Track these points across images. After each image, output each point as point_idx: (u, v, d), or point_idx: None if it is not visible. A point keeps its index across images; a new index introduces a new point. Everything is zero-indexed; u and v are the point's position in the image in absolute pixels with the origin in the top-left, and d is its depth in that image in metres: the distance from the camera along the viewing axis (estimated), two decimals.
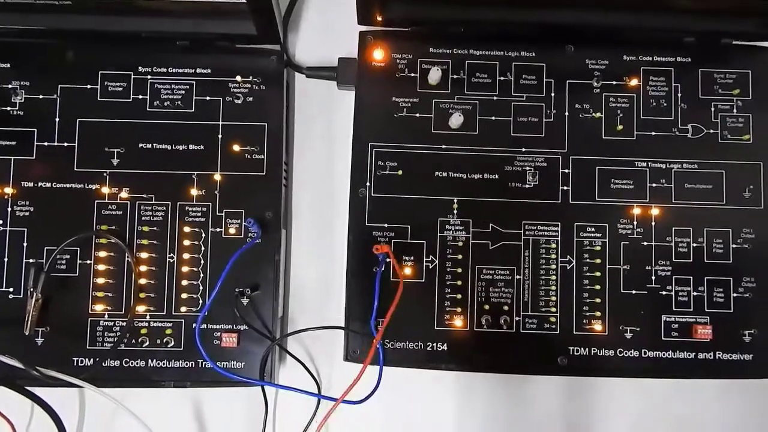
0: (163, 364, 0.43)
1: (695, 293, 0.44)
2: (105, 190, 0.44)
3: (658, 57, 0.45)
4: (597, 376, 0.45)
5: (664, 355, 0.43)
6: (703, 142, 0.45)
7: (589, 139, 0.44)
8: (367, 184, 0.44)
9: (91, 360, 0.42)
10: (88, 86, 0.44)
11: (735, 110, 0.45)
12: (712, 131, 0.45)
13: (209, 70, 0.45)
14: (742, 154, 0.45)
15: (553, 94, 0.45)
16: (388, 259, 0.43)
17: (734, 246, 0.44)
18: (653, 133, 0.45)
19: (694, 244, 0.44)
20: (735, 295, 0.44)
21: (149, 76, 0.44)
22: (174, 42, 0.44)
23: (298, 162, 0.47)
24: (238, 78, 0.44)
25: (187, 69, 0.45)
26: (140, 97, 0.44)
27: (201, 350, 0.40)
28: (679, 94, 0.45)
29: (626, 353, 0.43)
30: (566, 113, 0.45)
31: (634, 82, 0.45)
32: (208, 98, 0.44)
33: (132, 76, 0.44)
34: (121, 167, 0.44)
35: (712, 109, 0.45)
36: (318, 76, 0.46)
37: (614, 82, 0.45)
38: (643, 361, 0.43)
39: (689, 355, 0.43)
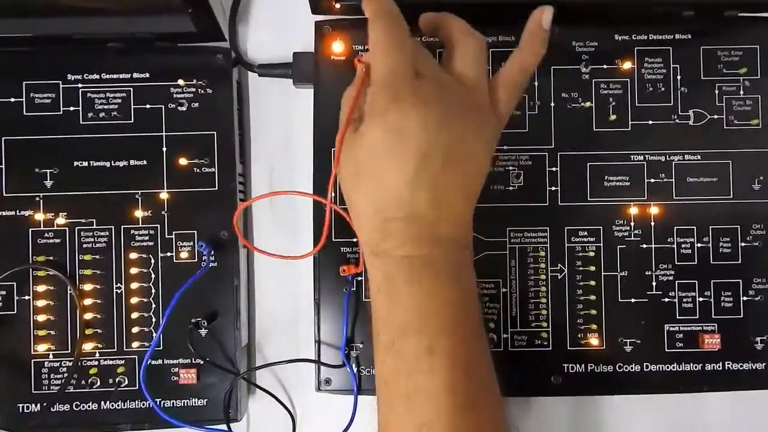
0: (118, 405, 0.39)
1: (701, 299, 0.39)
2: (39, 216, 0.39)
3: (653, 35, 0.40)
4: (595, 395, 0.41)
5: (668, 368, 0.39)
6: (707, 129, 0.40)
7: (578, 132, 0.40)
8: (332, 194, 0.39)
9: (38, 406, 0.38)
10: (12, 99, 0.39)
11: (742, 91, 0.40)
12: (716, 117, 0.40)
13: (148, 75, 0.39)
14: (751, 141, 0.40)
15: (536, 83, 0.40)
16: (359, 278, 0.39)
17: (743, 244, 0.40)
18: (650, 122, 0.40)
19: (699, 245, 0.39)
20: (745, 298, 0.39)
21: (80, 85, 0.39)
22: (105, 44, 0.39)
23: (256, 173, 0.43)
24: (181, 82, 0.39)
25: (123, 74, 0.39)
26: (71, 109, 0.39)
27: (145, 392, 0.36)
28: (679, 77, 0.40)
29: (626, 368, 0.39)
30: (552, 104, 0.40)
31: (627, 65, 0.40)
32: (148, 106, 0.39)
33: (61, 86, 0.39)
34: (55, 190, 0.39)
35: (716, 91, 0.40)
36: (271, 74, 0.41)
37: (605, 66, 0.40)
38: (645, 376, 0.39)
39: (696, 367, 0.39)
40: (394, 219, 0.29)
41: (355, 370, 0.39)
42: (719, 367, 0.39)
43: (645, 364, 0.39)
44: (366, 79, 0.30)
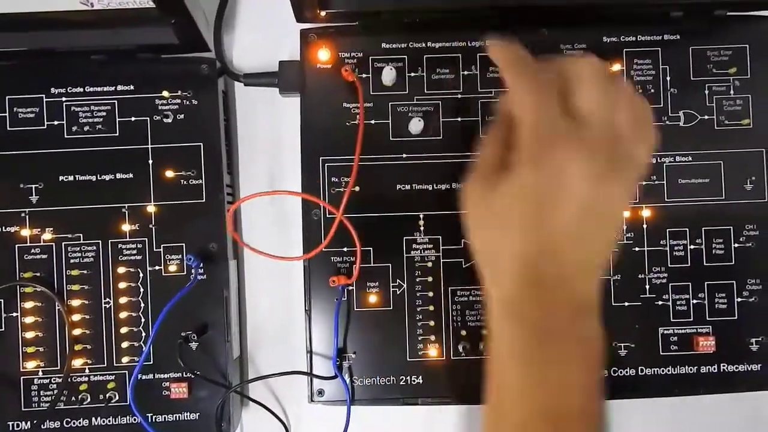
0: (109, 421, 0.38)
1: (695, 301, 0.39)
2: (25, 232, 0.38)
3: (642, 36, 0.40)
4: None
5: (663, 371, 0.39)
6: (697, 130, 0.39)
7: None
8: (321, 205, 0.39)
9: (28, 423, 0.38)
10: None
11: (732, 91, 0.40)
12: (706, 117, 0.40)
13: (132, 87, 0.39)
14: (742, 141, 0.39)
15: None
16: (350, 287, 0.39)
17: (736, 245, 0.39)
18: None
19: (692, 247, 0.39)
20: (739, 299, 0.39)
21: (64, 98, 0.39)
22: (88, 57, 0.39)
23: (245, 182, 0.42)
24: (165, 93, 0.39)
25: (107, 87, 0.39)
26: (56, 123, 0.39)
27: (134, 408, 0.36)
28: (668, 78, 0.40)
29: (621, 372, 0.39)
30: None
31: (616, 66, 0.39)
32: (133, 119, 0.39)
33: (44, 99, 0.39)
34: (41, 205, 0.39)
35: (706, 91, 0.40)
36: (257, 83, 0.40)
37: None
38: (640, 380, 0.39)
39: (691, 370, 0.39)
40: (542, 277, 0.27)
41: (347, 380, 0.38)
42: (714, 369, 0.39)
43: (640, 367, 0.39)
44: (510, 124, 0.29)
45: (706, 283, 0.39)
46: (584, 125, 0.27)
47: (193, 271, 0.38)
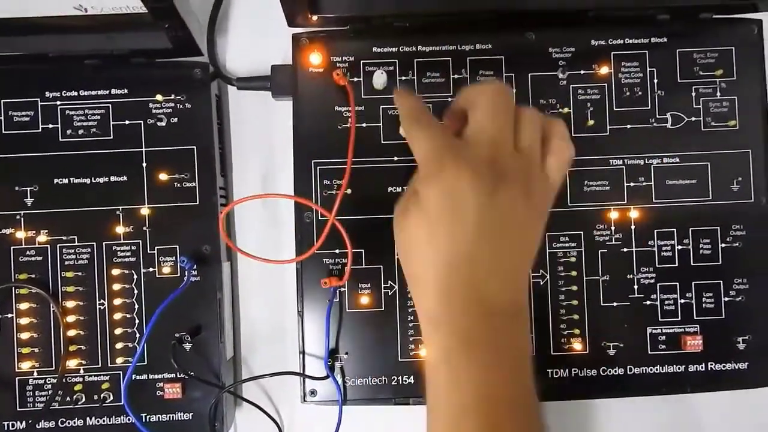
0: (103, 421, 0.39)
1: (683, 300, 0.40)
2: (21, 234, 0.39)
3: (629, 39, 0.40)
4: (579, 399, 0.41)
5: (652, 370, 0.39)
6: (685, 132, 0.40)
7: None
8: (313, 208, 0.39)
9: (23, 423, 0.38)
10: None
11: (718, 93, 0.40)
12: (693, 119, 0.40)
13: (126, 91, 0.39)
14: (729, 143, 0.40)
15: (514, 90, 0.40)
16: (342, 288, 0.39)
17: (723, 245, 0.40)
18: (628, 126, 0.40)
19: (679, 247, 0.40)
20: (726, 299, 0.40)
21: (58, 102, 0.39)
22: (82, 61, 0.39)
23: (239, 185, 0.43)
24: (159, 97, 0.39)
25: (101, 91, 0.39)
26: (50, 126, 0.39)
27: (128, 408, 0.36)
28: (656, 80, 0.40)
29: (610, 372, 0.39)
30: None
31: (604, 69, 0.40)
32: (127, 122, 0.39)
33: (39, 103, 0.39)
34: (36, 207, 0.39)
35: (693, 93, 0.40)
36: (250, 87, 0.41)
37: (582, 72, 0.40)
38: (629, 379, 0.39)
39: (679, 369, 0.39)
40: (453, 285, 0.29)
41: (339, 380, 0.39)
42: (702, 368, 0.39)
43: (629, 367, 0.39)
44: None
45: (693, 282, 0.40)
46: (472, 144, 0.30)
47: (186, 273, 0.38)
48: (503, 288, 0.29)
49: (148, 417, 0.38)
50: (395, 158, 0.40)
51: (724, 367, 0.39)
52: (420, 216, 0.29)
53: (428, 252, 0.29)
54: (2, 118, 0.39)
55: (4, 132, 0.39)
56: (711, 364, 0.39)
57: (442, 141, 0.30)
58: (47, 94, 0.39)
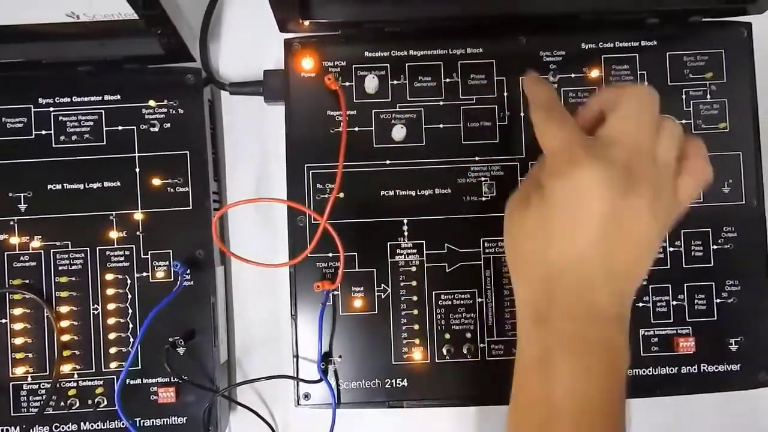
0: (98, 426, 0.39)
1: (675, 302, 0.40)
2: (14, 240, 0.39)
3: (619, 42, 0.40)
4: None
5: (644, 372, 0.39)
6: None
7: None
8: (306, 212, 0.39)
9: (17, 428, 0.38)
10: None
11: (709, 96, 0.40)
12: (684, 121, 0.40)
13: (119, 97, 0.40)
14: (719, 145, 0.40)
15: (506, 94, 0.40)
16: (335, 292, 0.39)
17: (715, 247, 0.40)
18: None
19: (671, 249, 0.40)
20: (718, 301, 0.40)
21: (51, 108, 0.39)
22: (76, 68, 0.39)
23: (232, 190, 0.43)
24: (152, 102, 0.39)
25: (94, 97, 0.40)
26: (43, 132, 0.39)
27: (120, 412, 0.36)
28: (646, 82, 0.40)
29: None
30: (522, 114, 0.40)
31: (595, 72, 0.40)
32: (120, 128, 0.40)
33: (32, 110, 0.39)
34: (29, 213, 0.39)
35: (683, 96, 0.40)
36: (242, 92, 0.41)
37: (573, 75, 0.40)
38: None
39: (672, 370, 0.40)
40: (565, 285, 0.28)
41: (333, 384, 0.39)
42: (695, 369, 0.39)
43: None
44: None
45: (685, 284, 0.40)
46: (609, 145, 0.29)
47: (179, 277, 0.38)
48: (612, 299, 0.29)
49: (142, 421, 0.39)
50: (387, 162, 0.40)
51: (716, 368, 0.40)
52: (542, 208, 0.29)
53: (543, 246, 0.29)
54: None
55: None
56: (704, 366, 0.40)
57: (577, 137, 0.29)
58: (40, 100, 0.39)
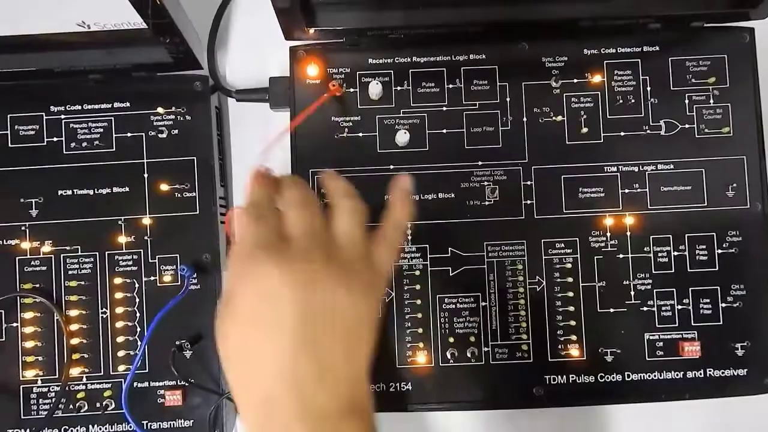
0: (105, 428, 0.39)
1: (680, 306, 0.40)
2: (26, 245, 0.40)
3: (622, 48, 0.41)
4: (577, 406, 0.41)
5: (649, 377, 0.39)
6: (679, 138, 0.40)
7: (551, 145, 0.40)
8: None
9: (27, 431, 0.39)
10: None
11: (712, 100, 0.40)
12: (687, 126, 0.40)
13: (128, 104, 0.41)
14: (723, 149, 0.40)
15: (508, 99, 0.40)
16: None
17: (719, 251, 0.40)
18: (622, 134, 0.40)
19: (675, 253, 0.40)
20: (723, 305, 0.40)
21: (63, 116, 0.40)
22: (86, 76, 0.40)
23: (239, 195, 0.44)
24: (160, 109, 0.40)
25: (104, 104, 0.41)
26: (55, 139, 0.40)
27: (128, 415, 0.37)
28: (649, 88, 0.40)
29: (608, 378, 0.39)
30: (524, 119, 0.40)
31: (597, 78, 0.40)
32: (129, 135, 0.40)
33: (44, 117, 0.40)
34: (40, 218, 0.40)
35: (686, 101, 0.40)
36: (249, 99, 0.42)
37: (575, 80, 0.40)
38: (627, 386, 0.39)
39: (677, 375, 0.39)
40: (276, 396, 0.26)
41: None
42: (700, 374, 0.39)
43: (626, 373, 0.39)
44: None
45: (690, 289, 0.40)
46: (289, 241, 0.28)
47: (186, 281, 0.39)
48: (333, 393, 0.26)
49: (149, 424, 0.39)
50: (391, 167, 0.40)
51: (723, 373, 0.39)
52: (233, 316, 0.27)
53: (248, 357, 0.26)
54: (9, 132, 0.40)
55: (10, 145, 0.40)
56: (710, 371, 0.39)
57: (259, 235, 0.28)
58: (52, 108, 0.40)
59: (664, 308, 0.40)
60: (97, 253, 0.40)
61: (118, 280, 0.40)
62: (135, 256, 0.40)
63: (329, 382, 0.26)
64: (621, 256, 0.40)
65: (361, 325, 0.28)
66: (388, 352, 0.39)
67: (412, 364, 0.39)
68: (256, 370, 0.26)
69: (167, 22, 0.35)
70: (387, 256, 0.31)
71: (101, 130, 0.40)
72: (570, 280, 0.40)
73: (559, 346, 0.39)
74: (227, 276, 0.29)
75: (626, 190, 0.40)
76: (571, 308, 0.39)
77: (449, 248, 0.40)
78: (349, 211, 0.30)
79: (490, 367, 0.39)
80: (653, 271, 0.40)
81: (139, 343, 0.40)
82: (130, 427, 0.39)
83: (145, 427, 0.39)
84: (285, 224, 0.29)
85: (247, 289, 0.27)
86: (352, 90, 0.40)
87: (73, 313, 0.40)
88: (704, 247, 0.40)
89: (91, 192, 0.40)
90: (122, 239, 0.40)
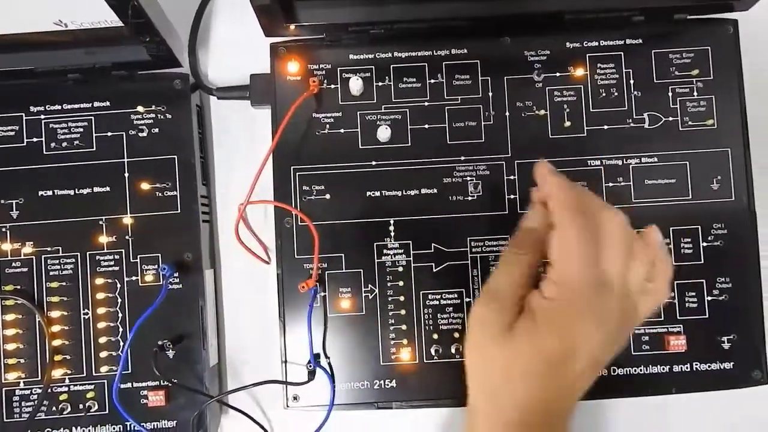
0: (89, 430, 0.39)
1: (665, 300, 0.39)
2: (6, 246, 0.40)
3: (604, 41, 0.40)
4: None
5: (635, 371, 0.39)
6: (662, 131, 0.40)
7: (534, 140, 0.40)
8: (293, 213, 0.39)
9: None
10: None
11: (695, 93, 0.40)
12: (671, 119, 0.40)
13: (108, 103, 0.40)
14: (707, 141, 0.40)
15: (490, 94, 0.40)
16: (322, 293, 0.39)
17: (705, 244, 0.40)
18: (605, 127, 0.40)
19: None
20: (709, 298, 0.39)
21: (42, 116, 0.40)
22: (65, 75, 0.40)
23: (222, 193, 0.43)
24: (140, 108, 0.40)
25: (84, 104, 0.40)
26: (35, 140, 0.40)
27: (122, 412, 0.36)
28: (632, 81, 0.40)
29: None
30: (507, 113, 0.40)
31: (579, 71, 0.40)
32: (109, 134, 0.40)
33: (24, 118, 0.40)
34: (21, 219, 0.40)
35: (670, 94, 0.40)
36: (229, 96, 0.42)
37: (558, 74, 0.40)
38: (613, 380, 0.39)
39: (664, 369, 0.39)
40: (531, 424, 0.29)
41: (326, 382, 0.39)
42: (687, 368, 0.39)
43: (612, 367, 0.39)
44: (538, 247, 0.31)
45: (676, 282, 0.39)
46: (605, 291, 0.28)
47: (165, 281, 0.39)
48: (569, 420, 0.30)
49: (132, 425, 0.39)
50: (373, 163, 0.40)
51: (709, 367, 0.39)
52: (527, 351, 0.29)
53: (519, 384, 0.29)
54: None
55: None
56: (696, 364, 0.39)
57: (590, 276, 0.28)
58: (31, 108, 0.40)
59: None
60: (78, 254, 0.40)
61: (99, 281, 0.39)
62: (116, 256, 0.40)
63: (572, 411, 0.30)
64: None
65: (595, 369, 0.30)
66: (371, 349, 0.39)
67: (396, 361, 0.39)
68: (514, 392, 0.29)
69: (144, 22, 0.35)
70: (649, 309, 0.31)
71: (81, 129, 0.40)
72: None
73: None
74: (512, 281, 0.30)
75: (610, 184, 0.40)
76: None
77: (432, 244, 0.40)
78: (647, 264, 0.30)
79: None
80: None
81: (121, 343, 0.39)
82: (114, 428, 0.39)
83: (128, 429, 0.39)
84: (605, 259, 0.29)
85: (562, 337, 0.28)
86: (333, 86, 0.40)
87: (55, 314, 0.39)
88: (689, 240, 0.40)
89: (71, 192, 0.40)
90: (103, 239, 0.40)
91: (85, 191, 0.40)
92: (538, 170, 0.32)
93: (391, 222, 0.40)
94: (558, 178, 0.31)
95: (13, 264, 0.40)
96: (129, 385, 0.39)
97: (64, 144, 0.40)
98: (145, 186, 0.40)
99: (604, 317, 0.28)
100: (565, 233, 0.29)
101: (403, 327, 0.39)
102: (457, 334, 0.39)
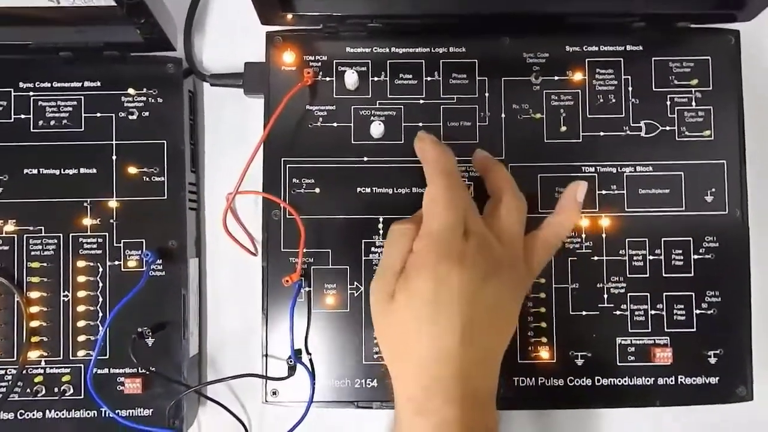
0: (62, 414, 0.38)
1: (653, 312, 0.39)
2: None
3: (604, 46, 0.40)
4: (546, 409, 0.41)
5: (620, 382, 0.39)
6: (659, 140, 0.40)
7: (529, 143, 0.39)
8: (281, 205, 0.39)
9: None
10: None
11: (694, 103, 0.40)
12: (668, 128, 0.40)
13: (98, 83, 0.40)
14: (703, 153, 0.39)
15: (487, 94, 0.40)
16: (307, 289, 0.39)
17: (696, 257, 0.39)
18: (602, 134, 0.40)
19: (651, 257, 0.39)
20: (698, 311, 0.39)
21: (31, 93, 0.39)
22: (56, 53, 0.39)
23: (211, 182, 0.43)
24: (131, 90, 0.39)
25: (74, 83, 0.40)
26: (23, 116, 0.39)
27: (96, 398, 0.36)
28: (630, 88, 0.40)
29: (578, 382, 0.39)
30: (503, 115, 0.40)
31: (578, 76, 0.40)
32: (98, 115, 0.39)
33: (12, 93, 0.39)
34: (4, 197, 0.39)
35: (668, 102, 0.40)
36: (223, 83, 0.41)
37: (556, 78, 0.40)
38: (596, 390, 0.38)
39: (648, 381, 0.39)
40: (442, 376, 0.30)
41: (307, 378, 0.38)
42: (672, 381, 0.39)
43: (596, 377, 0.39)
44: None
45: (664, 294, 0.39)
46: (468, 235, 0.32)
47: (148, 267, 0.38)
48: (486, 378, 0.32)
49: (107, 411, 0.38)
50: (365, 158, 0.39)
51: (694, 381, 0.39)
52: (409, 302, 0.31)
53: (414, 339, 0.31)
54: None
55: None
56: (681, 378, 0.39)
57: (458, 228, 0.31)
58: (21, 84, 0.39)
59: (637, 313, 0.39)
60: (61, 235, 0.39)
61: (81, 264, 0.39)
62: (100, 240, 0.39)
63: (486, 370, 0.32)
64: (595, 258, 0.39)
65: (511, 326, 0.33)
66: (354, 347, 0.39)
67: (378, 361, 0.38)
68: (421, 352, 0.31)
69: (139, 3, 0.34)
70: (542, 258, 0.35)
71: (70, 109, 0.39)
72: (542, 281, 0.39)
73: (529, 348, 0.39)
74: (401, 246, 0.33)
75: (603, 191, 0.39)
76: (543, 309, 0.39)
77: None
78: (519, 213, 0.34)
79: None
80: (627, 275, 0.39)
81: (100, 328, 0.39)
82: (88, 413, 0.38)
83: (103, 415, 0.38)
84: (466, 216, 0.32)
85: (429, 274, 0.30)
86: (328, 79, 0.40)
87: (34, 295, 0.39)
88: (680, 252, 0.39)
89: (57, 172, 0.39)
90: (87, 221, 0.39)
91: (71, 171, 0.39)
92: (417, 143, 0.36)
93: (380, 220, 0.39)
94: (433, 144, 0.35)
95: None
96: (106, 370, 0.38)
97: (53, 122, 0.39)
98: (132, 170, 0.39)
99: (467, 255, 0.31)
100: (430, 189, 0.33)
101: None
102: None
